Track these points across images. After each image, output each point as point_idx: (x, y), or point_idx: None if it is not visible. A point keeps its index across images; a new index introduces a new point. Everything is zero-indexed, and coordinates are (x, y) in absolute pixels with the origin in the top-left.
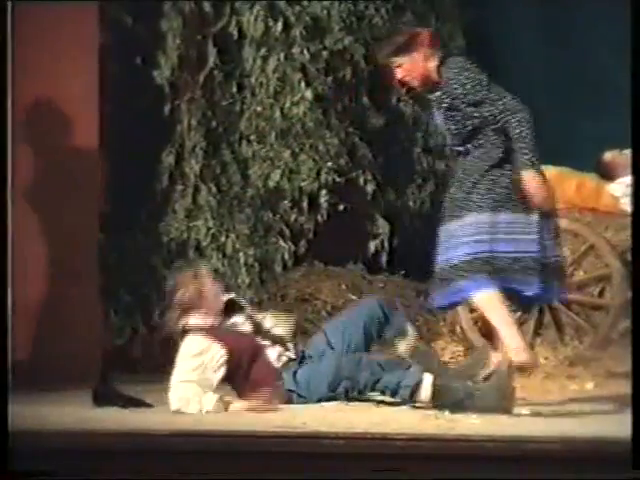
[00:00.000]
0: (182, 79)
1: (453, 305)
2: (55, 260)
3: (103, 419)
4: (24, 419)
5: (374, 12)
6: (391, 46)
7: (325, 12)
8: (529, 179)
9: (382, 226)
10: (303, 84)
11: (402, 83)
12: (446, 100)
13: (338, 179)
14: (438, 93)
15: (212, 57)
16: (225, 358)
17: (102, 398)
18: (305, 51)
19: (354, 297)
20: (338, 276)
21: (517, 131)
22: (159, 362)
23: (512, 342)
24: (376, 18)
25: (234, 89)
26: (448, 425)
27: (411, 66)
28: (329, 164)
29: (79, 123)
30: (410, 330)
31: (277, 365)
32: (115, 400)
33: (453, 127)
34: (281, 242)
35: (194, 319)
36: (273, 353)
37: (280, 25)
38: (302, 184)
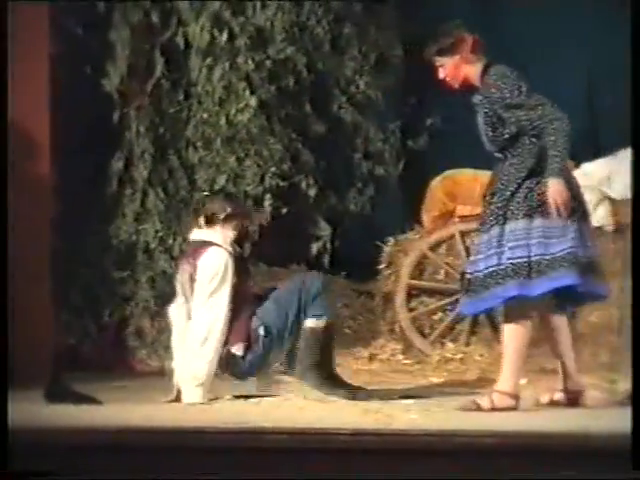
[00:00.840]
0: (131, 88)
1: (488, 310)
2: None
3: (56, 415)
4: None
5: (315, 23)
6: (436, 46)
7: (268, 23)
8: (554, 186)
9: (324, 229)
10: (247, 92)
11: (444, 83)
12: (486, 105)
13: (282, 183)
14: (479, 97)
15: (160, 66)
16: None
17: (54, 396)
18: (249, 60)
19: None
20: (282, 277)
21: (552, 138)
22: (109, 361)
23: (504, 385)
24: (317, 29)
25: (181, 97)
26: (386, 420)
27: (452, 68)
28: (273, 169)
29: (31, 129)
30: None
31: None
32: (67, 398)
33: (491, 133)
34: None
35: None
36: None
37: (225, 35)
38: (247, 188)
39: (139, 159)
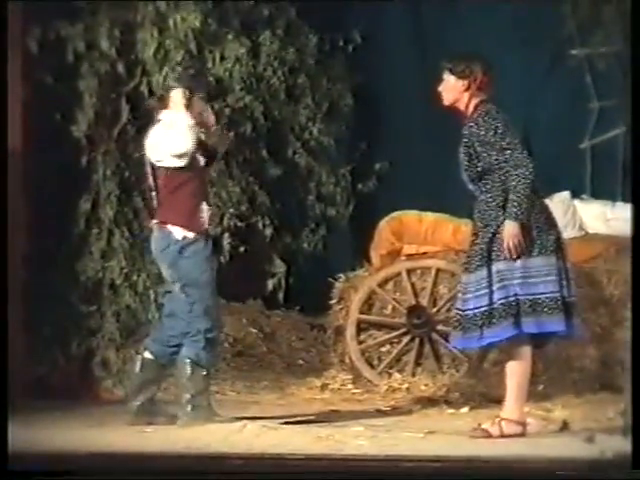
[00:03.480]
0: (98, 133)
1: (481, 346)
2: None
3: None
4: None
5: (271, 74)
6: (452, 64)
7: (227, 74)
8: (509, 228)
9: (279, 266)
10: None
11: (438, 95)
12: (467, 136)
13: (239, 224)
14: (465, 128)
15: (125, 113)
16: None
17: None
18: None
19: (254, 330)
20: (239, 311)
21: (514, 183)
22: (77, 390)
23: (511, 413)
24: (273, 79)
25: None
26: (337, 446)
27: (452, 88)
28: (231, 210)
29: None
30: None
31: None
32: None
33: (466, 163)
34: None
35: None
36: None
37: None
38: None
39: (105, 200)
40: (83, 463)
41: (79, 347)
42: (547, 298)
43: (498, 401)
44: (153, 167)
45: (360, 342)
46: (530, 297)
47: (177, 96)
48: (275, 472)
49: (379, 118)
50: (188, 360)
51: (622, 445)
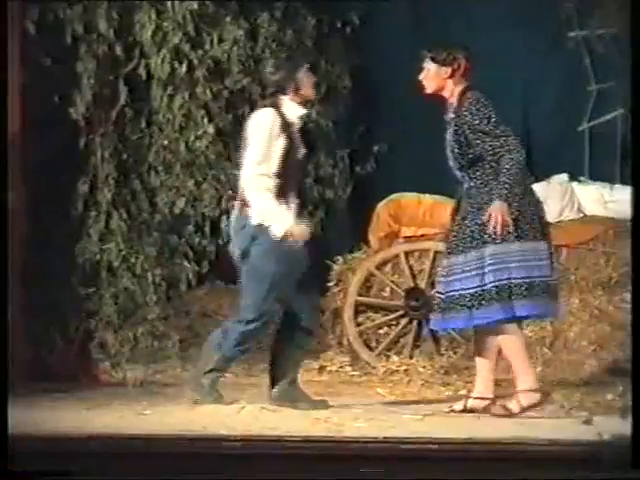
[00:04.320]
0: (96, 115)
1: (460, 329)
2: None
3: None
4: None
5: (269, 55)
6: (433, 53)
7: (225, 55)
8: (497, 207)
9: None
10: (206, 120)
11: (420, 84)
12: (457, 124)
13: None
14: (452, 115)
15: (123, 96)
16: None
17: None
18: (207, 91)
19: None
20: (238, 293)
21: (507, 166)
22: (75, 372)
23: (525, 384)
24: (271, 61)
25: (143, 125)
26: (336, 428)
27: (435, 76)
28: (229, 192)
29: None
30: None
31: None
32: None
33: (457, 150)
34: (186, 263)
35: None
36: None
37: (184, 67)
38: (205, 210)
39: (103, 183)
40: (80, 445)
41: (77, 329)
42: (540, 282)
43: (496, 383)
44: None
45: (358, 324)
46: (527, 280)
47: None
48: (273, 454)
49: (377, 100)
50: (216, 341)
51: (621, 427)
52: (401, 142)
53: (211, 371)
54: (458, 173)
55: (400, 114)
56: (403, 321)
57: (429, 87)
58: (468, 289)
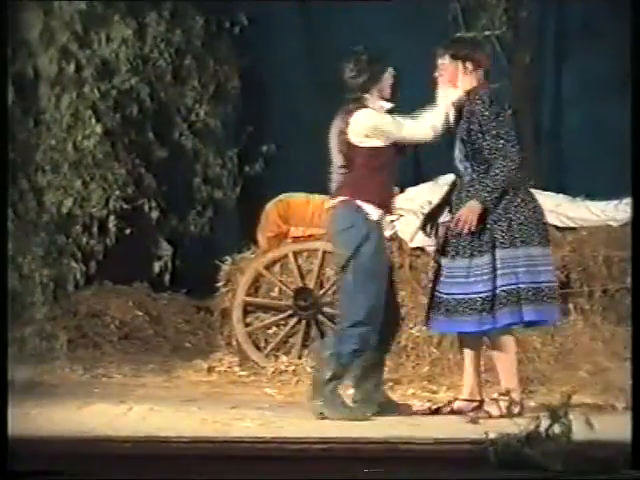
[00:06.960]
0: None
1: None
2: None
3: None
4: None
5: (158, 55)
6: (452, 49)
7: (114, 55)
8: (470, 207)
9: (165, 249)
10: (93, 120)
11: (434, 80)
12: (467, 116)
13: (125, 206)
14: (466, 108)
15: (11, 95)
16: None
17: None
18: (95, 90)
19: (140, 313)
20: (126, 294)
21: (496, 171)
22: None
23: (511, 385)
24: (160, 61)
25: (31, 124)
26: (224, 429)
27: (452, 72)
28: (117, 192)
29: None
30: None
31: None
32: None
33: (466, 138)
34: (73, 263)
35: None
36: None
37: (72, 67)
38: (92, 210)
39: None
40: None
41: None
42: (547, 287)
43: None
44: (349, 145)
45: (247, 324)
46: (534, 285)
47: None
48: (161, 455)
49: (266, 100)
50: (332, 348)
51: (621, 423)
52: (290, 142)
53: (330, 380)
54: (461, 165)
55: (289, 114)
56: (292, 321)
57: (443, 82)
58: (480, 293)
